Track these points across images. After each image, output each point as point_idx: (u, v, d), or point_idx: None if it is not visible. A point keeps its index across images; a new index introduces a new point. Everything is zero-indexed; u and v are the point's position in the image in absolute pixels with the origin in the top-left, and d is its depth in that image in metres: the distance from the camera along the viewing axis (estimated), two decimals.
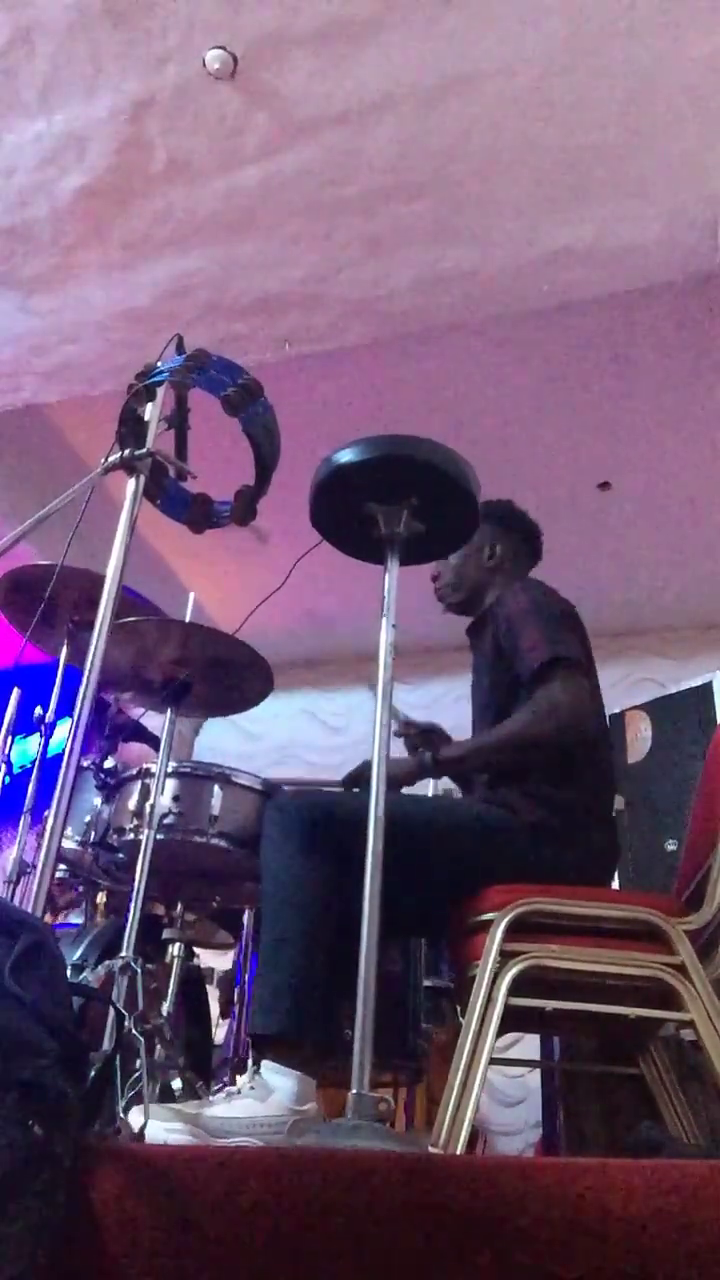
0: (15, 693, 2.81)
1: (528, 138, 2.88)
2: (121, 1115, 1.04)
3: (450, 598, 2.22)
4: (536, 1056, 2.55)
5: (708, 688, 3.34)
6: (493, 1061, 1.59)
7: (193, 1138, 1.38)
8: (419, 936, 2.45)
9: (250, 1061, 1.59)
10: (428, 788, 2.52)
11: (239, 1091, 1.50)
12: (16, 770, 2.80)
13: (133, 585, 2.28)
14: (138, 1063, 1.59)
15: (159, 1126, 1.34)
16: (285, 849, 1.70)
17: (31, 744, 2.73)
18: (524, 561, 2.25)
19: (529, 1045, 2.59)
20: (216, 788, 2.32)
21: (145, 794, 2.28)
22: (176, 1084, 1.96)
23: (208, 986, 3.00)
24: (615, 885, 2.14)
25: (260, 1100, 1.47)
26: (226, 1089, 1.55)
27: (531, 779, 1.87)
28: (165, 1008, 2.14)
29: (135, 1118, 1.23)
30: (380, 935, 1.37)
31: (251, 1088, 1.49)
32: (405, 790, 1.97)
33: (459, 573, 2.20)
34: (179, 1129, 1.38)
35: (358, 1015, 1.31)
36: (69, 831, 2.63)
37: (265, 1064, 1.53)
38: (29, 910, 1.18)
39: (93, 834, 2.61)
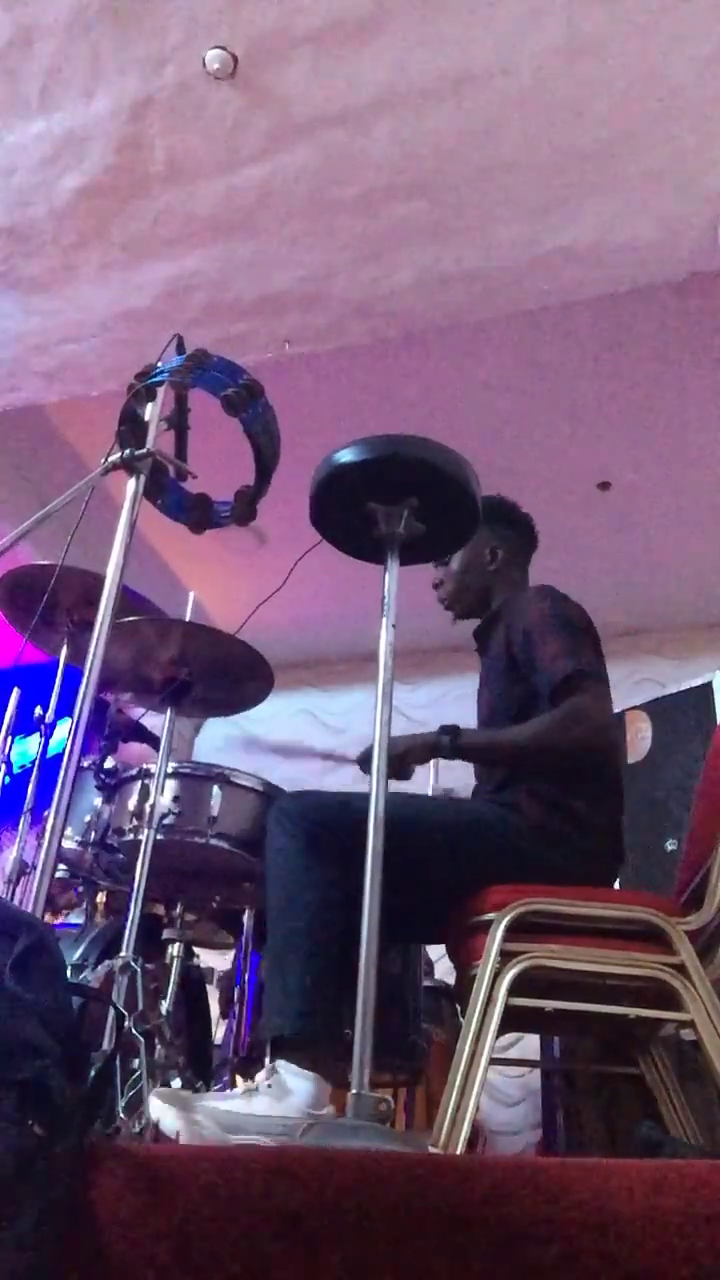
0: (15, 693, 2.81)
1: (528, 138, 2.88)
2: (122, 1116, 1.04)
3: (457, 606, 2.21)
4: (536, 1056, 2.56)
5: (708, 688, 3.33)
6: (493, 1061, 1.59)
7: (204, 1130, 1.37)
8: (421, 941, 2.44)
9: (267, 1059, 1.59)
10: (425, 786, 2.53)
11: (256, 1089, 1.50)
12: (16, 770, 2.80)
13: (133, 585, 2.28)
14: (137, 1063, 1.59)
15: (171, 1113, 1.33)
16: (290, 850, 1.70)
17: (31, 744, 2.73)
18: (524, 554, 2.24)
19: (529, 1045, 2.59)
20: (216, 788, 2.32)
21: (145, 794, 2.28)
22: (176, 1084, 1.96)
23: (208, 986, 3.00)
24: (616, 885, 2.14)
25: (277, 1100, 1.47)
26: (244, 1085, 1.54)
27: (539, 781, 1.86)
28: (165, 1008, 2.14)
29: (152, 1108, 1.23)
30: (382, 939, 1.37)
31: (269, 1085, 1.49)
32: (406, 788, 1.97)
33: (463, 580, 2.19)
34: (190, 1120, 1.37)
35: (358, 1015, 1.32)
36: (69, 831, 2.63)
37: (281, 1064, 1.53)
38: (29, 910, 1.18)
39: (93, 834, 2.61)
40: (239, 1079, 1.88)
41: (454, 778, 2.21)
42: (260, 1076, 1.53)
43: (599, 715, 1.83)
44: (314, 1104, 1.48)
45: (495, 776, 1.98)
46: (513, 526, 2.24)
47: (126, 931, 1.94)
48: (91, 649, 1.38)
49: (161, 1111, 1.30)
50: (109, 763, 2.60)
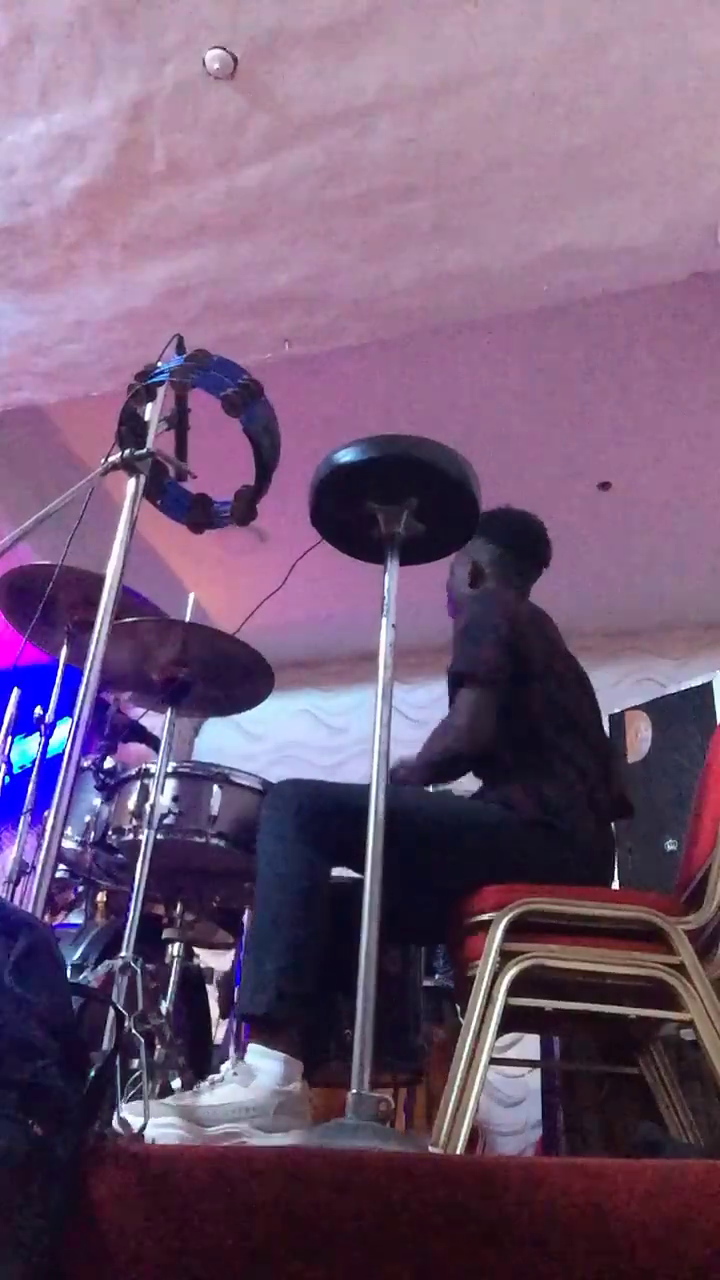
0: (15, 693, 2.81)
1: (528, 138, 2.88)
2: (120, 1115, 1.04)
3: (450, 611, 2.26)
4: (536, 1056, 2.55)
5: (708, 688, 3.33)
6: (493, 1061, 1.59)
7: (186, 1132, 1.37)
8: (419, 943, 2.44)
9: (232, 1050, 1.59)
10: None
11: (222, 1078, 1.50)
12: (16, 770, 2.80)
13: (133, 585, 2.28)
14: (137, 1063, 1.58)
15: (151, 1121, 1.33)
16: (280, 834, 1.71)
17: (31, 744, 2.73)
18: (514, 571, 2.22)
19: (529, 1045, 2.58)
20: (216, 788, 2.32)
21: (145, 794, 2.28)
22: (176, 1084, 1.96)
23: (207, 986, 3.00)
24: (615, 885, 2.14)
25: (244, 1085, 1.47)
26: (211, 1077, 1.54)
27: (530, 778, 1.87)
28: (165, 1008, 2.14)
29: (132, 1116, 1.23)
30: (382, 936, 1.37)
31: (235, 1074, 1.49)
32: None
33: (449, 591, 2.25)
34: (172, 1123, 1.38)
35: (358, 1015, 1.31)
36: (69, 831, 2.63)
37: (251, 1047, 1.53)
38: (29, 910, 1.18)
39: (92, 834, 2.61)
40: (223, 1066, 1.87)
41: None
42: (226, 1066, 1.54)
43: (468, 720, 1.86)
44: (281, 1082, 1.48)
45: (484, 775, 1.99)
46: (511, 546, 2.22)
47: (126, 931, 1.94)
48: (91, 649, 1.38)
49: (145, 1112, 1.30)
50: (109, 763, 2.59)
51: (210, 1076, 1.54)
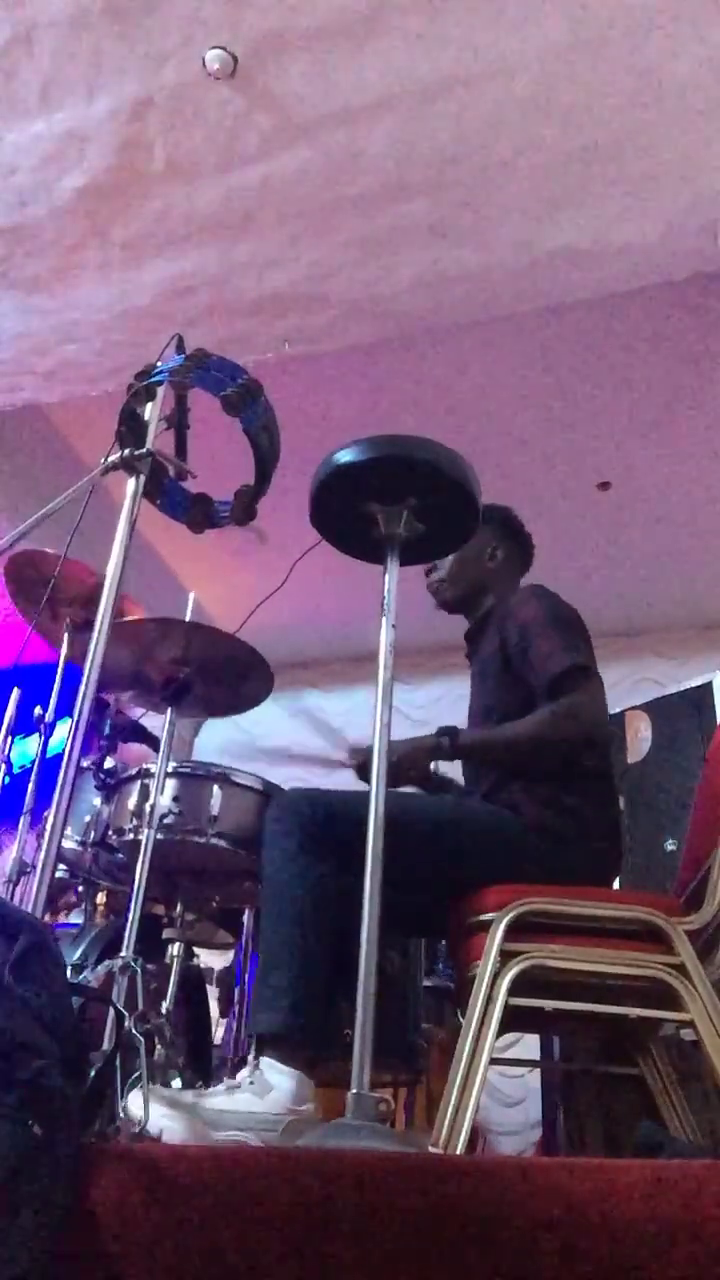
0: (15, 693, 2.81)
1: (528, 138, 2.88)
2: (122, 1115, 1.04)
3: (445, 593, 2.20)
4: (536, 1056, 2.55)
5: (708, 688, 3.34)
6: (493, 1061, 1.59)
7: (187, 1127, 1.38)
8: (421, 936, 2.45)
9: (251, 1056, 1.59)
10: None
11: (239, 1085, 1.50)
12: (16, 770, 2.80)
13: (133, 585, 2.29)
14: (138, 1063, 1.59)
15: (155, 1111, 1.33)
16: (286, 846, 1.70)
17: (31, 744, 2.73)
18: (519, 564, 2.27)
19: (529, 1045, 2.59)
20: (216, 788, 2.32)
21: (145, 794, 2.28)
22: (176, 1084, 1.96)
23: (207, 986, 3.00)
24: (615, 885, 2.14)
25: (259, 1096, 1.48)
26: (226, 1081, 1.55)
27: (536, 781, 1.87)
28: (165, 1008, 2.14)
29: (134, 1105, 1.23)
30: (382, 934, 1.37)
31: (251, 1082, 1.50)
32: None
33: (457, 569, 2.18)
34: (178, 1118, 1.38)
35: (358, 1015, 1.32)
36: (69, 831, 2.63)
37: (265, 1060, 1.53)
38: (29, 910, 1.18)
39: (93, 834, 2.61)
40: (239, 1073, 1.88)
41: (453, 769, 2.21)
42: (243, 1073, 1.54)
43: (594, 711, 1.85)
44: (295, 1101, 1.48)
45: (489, 777, 1.98)
46: (514, 537, 2.26)
47: (126, 931, 1.94)
48: (91, 649, 1.38)
49: (143, 1109, 1.30)
50: (109, 763, 2.60)
51: (226, 1081, 1.55)
